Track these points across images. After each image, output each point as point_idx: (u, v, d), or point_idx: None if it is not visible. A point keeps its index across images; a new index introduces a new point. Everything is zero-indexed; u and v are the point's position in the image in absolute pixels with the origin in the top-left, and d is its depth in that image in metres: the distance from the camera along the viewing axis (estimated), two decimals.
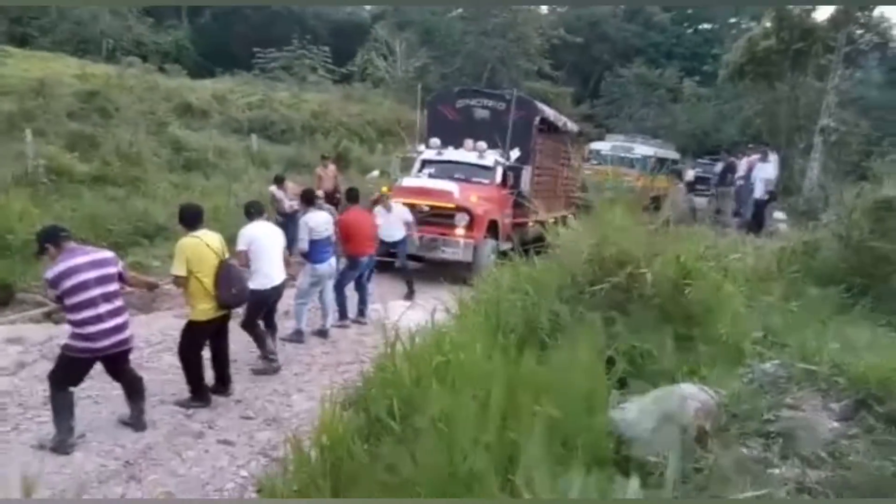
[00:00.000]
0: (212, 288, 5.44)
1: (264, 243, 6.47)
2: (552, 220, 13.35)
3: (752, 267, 6.65)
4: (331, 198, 13.20)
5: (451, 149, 12.19)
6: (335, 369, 6.72)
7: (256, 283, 6.34)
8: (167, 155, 15.62)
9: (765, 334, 4.30)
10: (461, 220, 10.52)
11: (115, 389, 5.26)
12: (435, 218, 10.49)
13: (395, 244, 9.62)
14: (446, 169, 11.87)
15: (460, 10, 36.13)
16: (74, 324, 4.70)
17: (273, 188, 11.82)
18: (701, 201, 21.01)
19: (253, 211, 6.72)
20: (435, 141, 12.33)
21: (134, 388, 5.16)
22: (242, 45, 33.00)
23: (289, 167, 17.66)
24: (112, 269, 4.85)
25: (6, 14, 29.43)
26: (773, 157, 15.36)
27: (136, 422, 5.12)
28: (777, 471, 2.55)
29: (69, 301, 4.65)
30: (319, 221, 7.56)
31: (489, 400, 2.77)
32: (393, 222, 9.50)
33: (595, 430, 2.64)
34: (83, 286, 4.64)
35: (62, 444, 4.68)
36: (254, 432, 5.29)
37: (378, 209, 9.53)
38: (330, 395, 3.52)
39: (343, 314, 8.27)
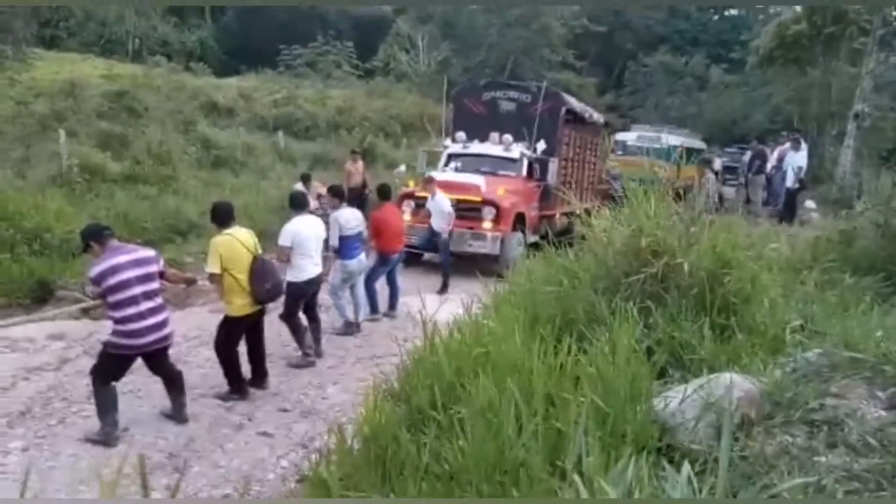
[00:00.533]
0: (246, 284, 5.54)
1: (307, 235, 6.56)
2: (581, 212, 13.40)
3: (786, 256, 6.56)
4: (360, 193, 13.28)
5: (476, 142, 12.17)
6: (369, 362, 6.79)
7: (292, 275, 6.49)
8: (196, 153, 15.85)
9: (803, 324, 4.24)
10: (488, 213, 10.55)
11: (156, 384, 5.38)
12: (462, 211, 10.45)
13: (438, 235, 9.79)
14: (472, 162, 11.90)
15: (481, 4, 36.04)
16: (116, 321, 4.81)
17: (299, 186, 11.76)
18: (729, 191, 20.77)
19: (297, 203, 6.84)
20: (461, 135, 12.31)
21: (174, 383, 5.26)
22: (266, 42, 33.23)
23: (315, 163, 17.81)
24: (153, 268, 4.96)
25: (37, 17, 30.00)
26: (804, 146, 15.12)
27: (177, 415, 5.23)
28: (823, 459, 2.53)
29: (111, 298, 4.76)
30: (349, 218, 7.62)
31: (532, 390, 2.79)
32: (436, 212, 9.72)
33: (639, 419, 2.65)
34: (125, 284, 4.74)
35: (108, 436, 4.80)
36: (291, 424, 5.38)
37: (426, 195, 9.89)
38: (371, 385, 3.57)
39: (374, 308, 8.34)
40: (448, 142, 12.64)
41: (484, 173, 11.38)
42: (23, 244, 8.99)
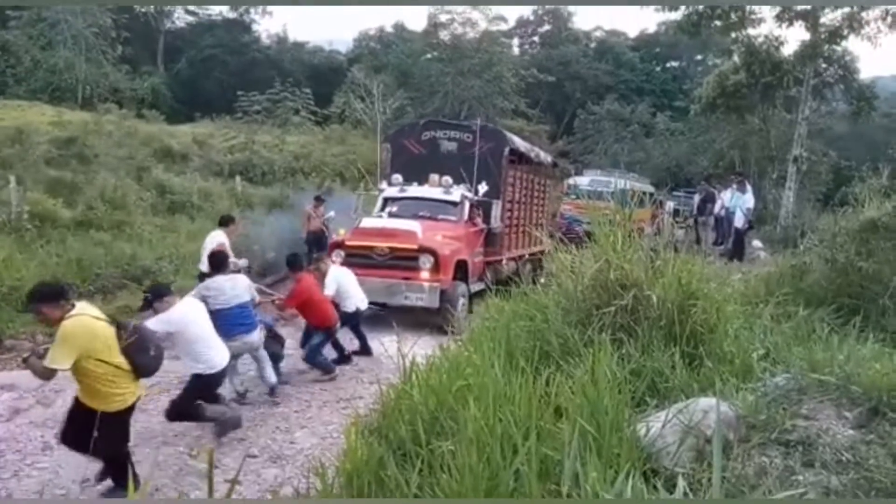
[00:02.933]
0: (127, 364, 4.45)
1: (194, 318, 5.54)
2: (530, 255, 13.37)
3: (741, 291, 6.80)
4: (319, 237, 13.22)
5: (415, 185, 11.30)
6: (336, 405, 6.69)
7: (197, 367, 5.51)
8: (151, 198, 15.59)
9: (766, 352, 4.40)
10: (426, 261, 9.49)
11: None
12: (397, 261, 9.59)
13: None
14: (410, 206, 10.96)
15: (436, 53, 36.94)
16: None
17: (216, 234, 9.16)
18: (679, 232, 21.40)
19: (216, 264, 6.41)
20: (397, 177, 11.36)
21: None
22: (220, 89, 33.33)
23: (272, 207, 17.71)
24: None
25: None
26: (749, 188, 15.79)
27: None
28: (801, 477, 2.62)
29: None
30: (223, 287, 6.30)
31: (516, 419, 2.82)
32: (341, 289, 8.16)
33: (624, 444, 2.70)
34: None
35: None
36: (260, 470, 5.24)
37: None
38: (350, 423, 3.53)
39: (329, 370, 7.56)
40: (384, 185, 11.64)
41: (422, 218, 10.41)
42: None
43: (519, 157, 12.58)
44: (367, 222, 10.53)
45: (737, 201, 15.06)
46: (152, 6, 39.81)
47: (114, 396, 4.38)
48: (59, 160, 17.03)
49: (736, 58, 22.35)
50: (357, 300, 8.31)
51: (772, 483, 2.51)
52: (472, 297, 10.52)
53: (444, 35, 37.36)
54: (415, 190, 11.24)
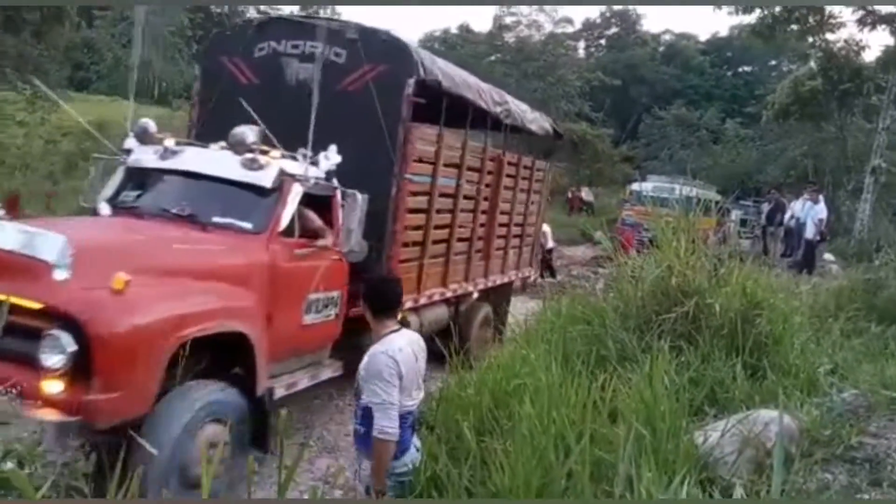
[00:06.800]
0: None
1: None
2: (487, 290, 7.40)
3: (809, 304, 6.59)
4: None
5: (198, 147, 5.27)
6: None
7: None
8: None
9: (834, 367, 4.26)
10: (54, 346, 3.30)
11: None
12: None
13: None
14: (173, 192, 5.04)
15: (500, 55, 36.93)
16: None
17: None
18: (745, 243, 20.79)
19: None
20: (145, 124, 5.19)
21: None
22: None
23: None
24: None
25: (70, 60, 31.08)
26: (822, 198, 15.21)
27: None
28: (867, 496, 2.53)
29: None
30: None
31: (571, 419, 2.82)
32: None
33: (681, 451, 2.67)
34: None
35: None
36: (313, 458, 5.36)
37: None
38: None
39: None
40: (131, 141, 5.24)
41: (178, 219, 4.71)
42: None
43: (451, 103, 6.11)
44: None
45: (808, 212, 14.52)
46: (226, 6, 41.17)
47: None
48: None
49: (812, 63, 21.50)
50: None
51: (834, 499, 2.44)
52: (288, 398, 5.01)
53: (509, 37, 37.30)
54: (190, 157, 5.09)
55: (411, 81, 5.48)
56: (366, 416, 3.01)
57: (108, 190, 5.20)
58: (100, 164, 5.58)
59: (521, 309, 7.77)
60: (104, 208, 5.05)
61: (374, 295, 3.18)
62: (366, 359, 3.01)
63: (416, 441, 3.09)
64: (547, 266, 13.35)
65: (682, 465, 2.52)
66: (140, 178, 5.20)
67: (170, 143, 5.18)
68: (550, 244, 13.99)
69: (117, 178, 5.25)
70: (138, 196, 5.16)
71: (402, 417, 2.93)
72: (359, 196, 4.96)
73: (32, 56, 17.00)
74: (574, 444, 2.61)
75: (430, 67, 5.73)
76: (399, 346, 2.97)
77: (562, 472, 2.38)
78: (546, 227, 14.06)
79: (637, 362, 3.83)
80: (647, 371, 3.39)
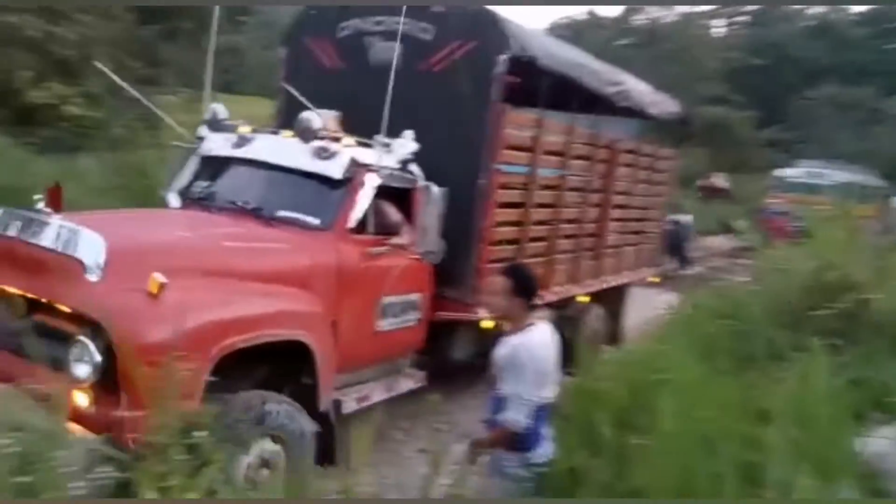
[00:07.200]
0: None
1: None
2: (598, 294, 6.68)
3: None
4: None
5: (268, 134, 5.01)
6: None
7: None
8: None
9: None
10: (82, 354, 3.09)
11: None
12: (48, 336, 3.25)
13: None
14: (241, 182, 4.80)
15: (630, 38, 35.68)
16: None
17: None
18: None
19: None
20: (219, 110, 5.10)
21: None
22: None
23: None
24: None
25: (219, 65, 33.74)
26: None
27: None
28: None
29: None
30: None
31: (717, 419, 2.71)
32: None
33: (842, 458, 2.49)
34: None
35: None
36: (450, 443, 5.47)
37: None
38: None
39: None
40: (203, 130, 5.08)
41: (243, 212, 4.45)
42: None
43: (555, 83, 5.46)
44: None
45: None
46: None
47: None
48: None
49: None
50: None
51: None
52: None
53: (638, 20, 35.92)
54: (260, 145, 4.80)
55: (503, 58, 4.92)
56: (500, 405, 3.01)
57: (183, 180, 4.99)
58: (178, 153, 5.30)
59: (656, 302, 7.52)
60: (173, 200, 4.87)
61: (521, 278, 3.03)
62: (504, 349, 3.04)
63: (550, 433, 3.05)
64: (682, 257, 12.85)
65: (843, 472, 2.35)
66: (212, 168, 4.93)
67: (244, 129, 4.89)
68: (690, 237, 13.48)
69: (191, 167, 5.04)
70: (208, 186, 4.88)
71: (539, 410, 2.94)
72: (434, 189, 4.50)
73: (188, 62, 18.49)
74: (719, 443, 2.51)
75: (526, 43, 5.12)
76: (538, 340, 2.96)
77: (706, 473, 2.29)
78: (688, 218, 13.60)
79: (788, 361, 3.61)
80: (801, 370, 3.18)
